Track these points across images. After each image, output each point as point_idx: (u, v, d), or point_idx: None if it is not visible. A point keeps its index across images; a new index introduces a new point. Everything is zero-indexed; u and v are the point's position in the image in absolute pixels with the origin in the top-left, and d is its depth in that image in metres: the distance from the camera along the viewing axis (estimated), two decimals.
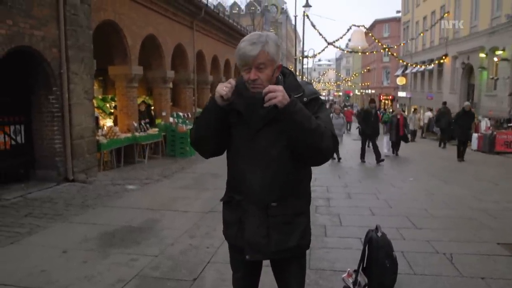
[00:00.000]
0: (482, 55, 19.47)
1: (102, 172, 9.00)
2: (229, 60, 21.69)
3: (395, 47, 32.58)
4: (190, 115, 15.34)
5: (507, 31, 17.52)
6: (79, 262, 3.89)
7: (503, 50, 17.47)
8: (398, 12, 43.44)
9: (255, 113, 1.84)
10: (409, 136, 14.60)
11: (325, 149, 1.80)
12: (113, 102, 13.00)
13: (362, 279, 2.98)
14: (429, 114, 21.95)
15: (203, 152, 2.04)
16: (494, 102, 18.67)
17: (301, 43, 28.34)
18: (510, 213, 5.98)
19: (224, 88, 1.80)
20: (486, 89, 19.90)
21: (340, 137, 11.59)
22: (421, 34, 28.59)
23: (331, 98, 69.91)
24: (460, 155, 12.07)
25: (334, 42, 24.17)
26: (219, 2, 39.93)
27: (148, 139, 11.21)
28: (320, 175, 8.81)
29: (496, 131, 14.86)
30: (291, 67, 32.75)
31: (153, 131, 11.68)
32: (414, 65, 30.63)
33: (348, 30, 23.87)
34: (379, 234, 3.07)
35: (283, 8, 52.74)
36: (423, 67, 29.03)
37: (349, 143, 16.61)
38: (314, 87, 2.03)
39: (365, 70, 51.43)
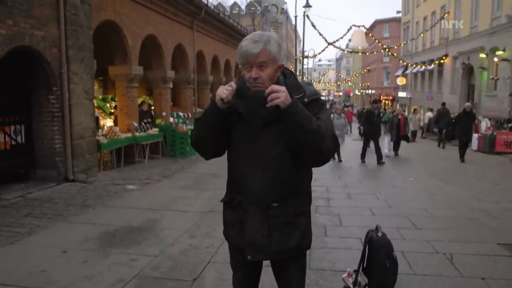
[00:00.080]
0: (482, 55, 19.47)
1: (102, 172, 9.01)
2: (229, 60, 21.69)
3: (395, 47, 32.59)
4: (190, 115, 15.34)
5: (507, 31, 17.52)
6: (79, 262, 3.89)
7: (503, 50, 17.46)
8: (398, 12, 43.47)
9: (256, 115, 1.84)
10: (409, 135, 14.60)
11: (326, 150, 1.80)
12: (113, 102, 13.01)
13: (362, 279, 2.98)
14: (429, 114, 21.97)
15: (204, 153, 2.04)
16: (494, 103, 18.67)
17: (301, 43, 28.33)
18: (510, 213, 5.98)
19: (224, 91, 1.80)
20: (486, 90, 19.89)
21: (342, 137, 11.54)
22: (421, 34, 28.61)
23: (331, 98, 69.93)
24: (461, 156, 12.06)
25: (334, 42, 24.16)
26: (219, 2, 39.95)
27: (148, 139, 11.21)
28: (320, 175, 8.81)
29: (496, 131, 14.86)
30: (291, 67, 32.76)
31: (153, 131, 11.69)
32: (414, 65, 30.62)
33: (348, 30, 23.91)
34: (379, 234, 3.07)
35: (283, 8, 52.79)
36: (423, 67, 29.01)
37: (349, 143, 16.59)
38: (315, 87, 2.04)
39: (365, 70, 51.47)
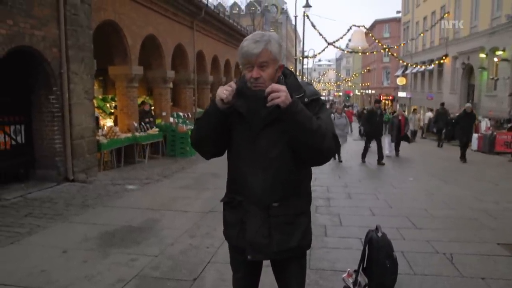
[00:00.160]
0: (482, 55, 19.47)
1: (102, 172, 9.01)
2: (229, 60, 21.70)
3: (395, 47, 32.61)
4: (190, 115, 15.35)
5: (507, 31, 17.52)
6: (79, 262, 3.89)
7: (503, 50, 17.46)
8: (398, 12, 43.47)
9: (256, 114, 1.84)
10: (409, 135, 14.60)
11: (326, 149, 1.81)
12: (113, 102, 13.02)
13: (362, 279, 2.98)
14: (429, 114, 21.97)
15: (204, 153, 2.04)
16: (494, 103, 18.67)
17: (301, 43, 28.35)
18: (510, 213, 5.98)
19: (224, 92, 1.80)
20: (486, 90, 19.90)
21: (343, 137, 11.53)
22: (421, 35, 28.61)
23: (331, 98, 69.94)
24: (462, 156, 12.06)
25: (334, 42, 24.17)
26: (219, 2, 39.96)
27: (148, 139, 11.21)
28: (321, 175, 8.81)
29: (496, 131, 14.86)
30: (291, 67, 32.75)
31: (153, 131, 11.69)
32: (414, 65, 30.63)
33: (348, 30, 23.91)
34: (379, 234, 3.06)
35: (283, 8, 52.79)
36: (423, 67, 29.01)
37: (349, 143, 16.56)
38: (315, 87, 2.04)
39: (365, 70, 51.47)
